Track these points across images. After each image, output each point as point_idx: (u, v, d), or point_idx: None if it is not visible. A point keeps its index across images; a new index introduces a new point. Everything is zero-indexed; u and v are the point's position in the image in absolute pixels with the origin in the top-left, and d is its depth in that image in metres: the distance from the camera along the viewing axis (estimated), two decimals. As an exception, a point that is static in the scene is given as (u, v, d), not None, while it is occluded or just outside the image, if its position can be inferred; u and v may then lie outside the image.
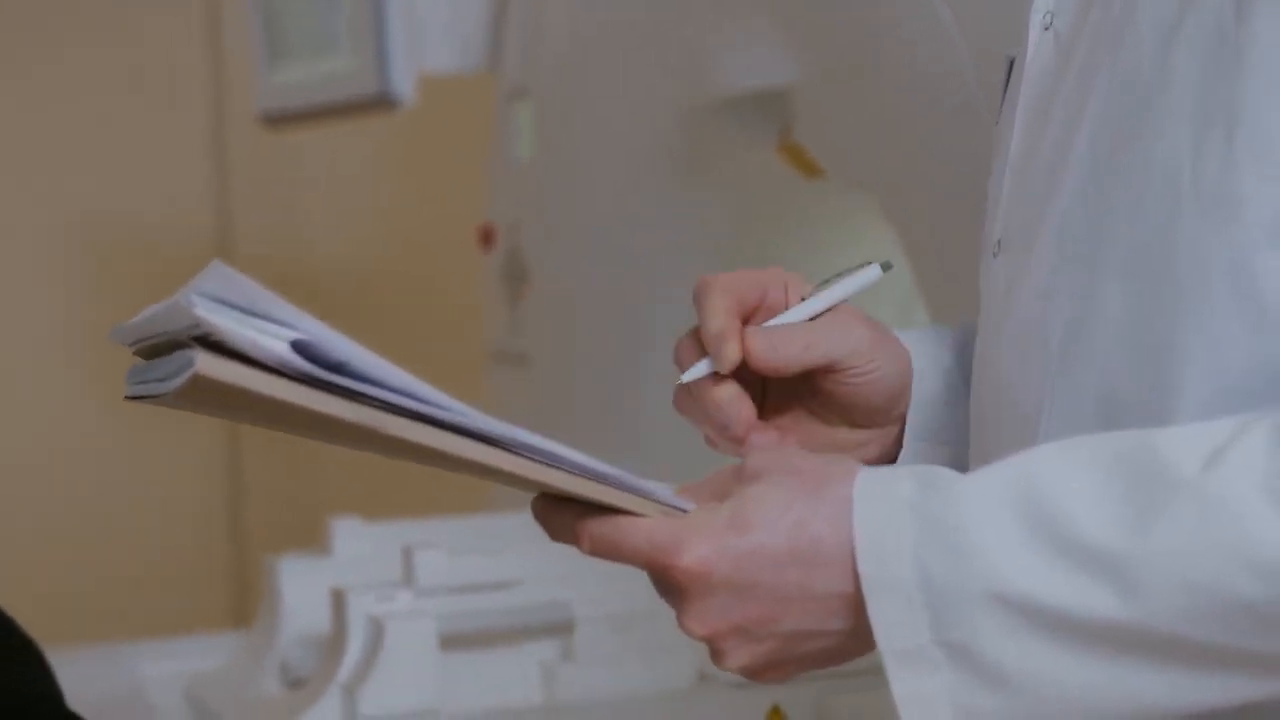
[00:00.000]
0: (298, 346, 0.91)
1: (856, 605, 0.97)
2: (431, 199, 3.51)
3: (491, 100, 2.65)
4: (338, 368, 0.93)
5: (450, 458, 0.97)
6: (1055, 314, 1.04)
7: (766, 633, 0.99)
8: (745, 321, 1.13)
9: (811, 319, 1.13)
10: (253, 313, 0.91)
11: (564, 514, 1.02)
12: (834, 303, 1.14)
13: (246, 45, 2.95)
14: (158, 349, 0.95)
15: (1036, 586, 0.93)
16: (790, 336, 1.11)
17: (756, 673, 1.02)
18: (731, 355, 1.10)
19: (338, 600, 1.74)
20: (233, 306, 0.91)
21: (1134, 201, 1.00)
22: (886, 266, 1.17)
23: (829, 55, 1.88)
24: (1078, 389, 1.02)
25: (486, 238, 2.53)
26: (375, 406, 0.94)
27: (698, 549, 0.98)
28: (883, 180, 1.85)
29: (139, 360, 0.97)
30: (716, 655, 1.01)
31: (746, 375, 1.13)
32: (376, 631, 1.70)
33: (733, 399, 1.11)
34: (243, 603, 3.65)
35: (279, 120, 2.80)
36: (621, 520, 1.00)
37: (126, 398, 0.97)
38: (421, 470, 2.90)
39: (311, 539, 2.31)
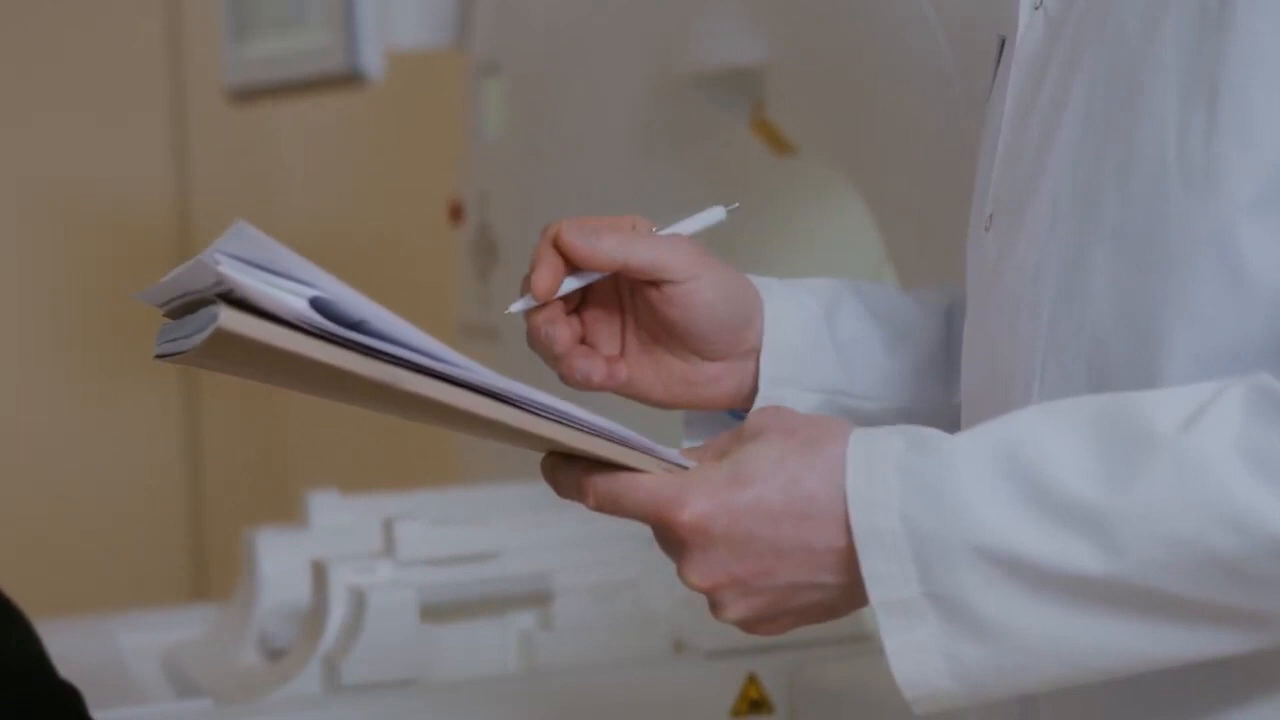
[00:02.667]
0: (317, 304, 0.94)
1: (849, 559, 1.00)
2: (400, 173, 3.52)
3: (463, 76, 2.66)
4: (356, 325, 0.95)
5: (464, 414, 1.00)
6: (1045, 285, 1.06)
7: (763, 585, 1.02)
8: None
9: None
10: (274, 271, 0.94)
11: (571, 471, 1.05)
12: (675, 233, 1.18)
13: (209, 19, 2.95)
14: (185, 309, 0.97)
15: (1019, 541, 0.97)
16: (612, 234, 1.14)
17: (752, 624, 1.05)
18: (540, 283, 1.13)
19: (319, 572, 1.76)
20: (255, 265, 0.93)
21: (1121, 175, 1.03)
22: (731, 209, 1.20)
23: (802, 32, 1.90)
24: (1068, 359, 1.05)
25: (455, 213, 2.54)
26: (392, 363, 0.96)
27: (698, 504, 1.01)
28: (855, 156, 1.87)
29: (166, 321, 0.99)
30: (715, 607, 1.04)
31: (601, 315, 1.17)
32: (358, 602, 1.72)
33: (548, 321, 1.15)
34: (203, 574, 3.66)
35: (247, 95, 2.80)
36: (626, 476, 1.03)
37: (155, 356, 0.99)
38: (386, 443, 2.91)
39: (272, 512, 2.32)
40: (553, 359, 1.16)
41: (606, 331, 1.19)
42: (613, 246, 1.14)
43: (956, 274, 1.30)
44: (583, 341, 1.18)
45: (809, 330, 1.21)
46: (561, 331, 1.15)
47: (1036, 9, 1.14)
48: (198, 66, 3.53)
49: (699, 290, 1.16)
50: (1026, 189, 1.09)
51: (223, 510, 3.64)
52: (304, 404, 3.58)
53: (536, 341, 1.16)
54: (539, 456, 1.08)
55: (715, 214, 1.20)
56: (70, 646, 1.69)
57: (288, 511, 2.33)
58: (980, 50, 1.33)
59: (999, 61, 1.21)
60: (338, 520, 1.95)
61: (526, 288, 1.15)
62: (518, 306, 1.15)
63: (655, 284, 1.16)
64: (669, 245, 1.16)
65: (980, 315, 1.14)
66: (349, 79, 2.52)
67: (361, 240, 3.54)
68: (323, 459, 3.58)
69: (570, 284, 1.15)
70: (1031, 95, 1.12)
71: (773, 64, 1.95)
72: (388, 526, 1.78)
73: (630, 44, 2.19)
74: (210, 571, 3.66)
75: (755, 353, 1.20)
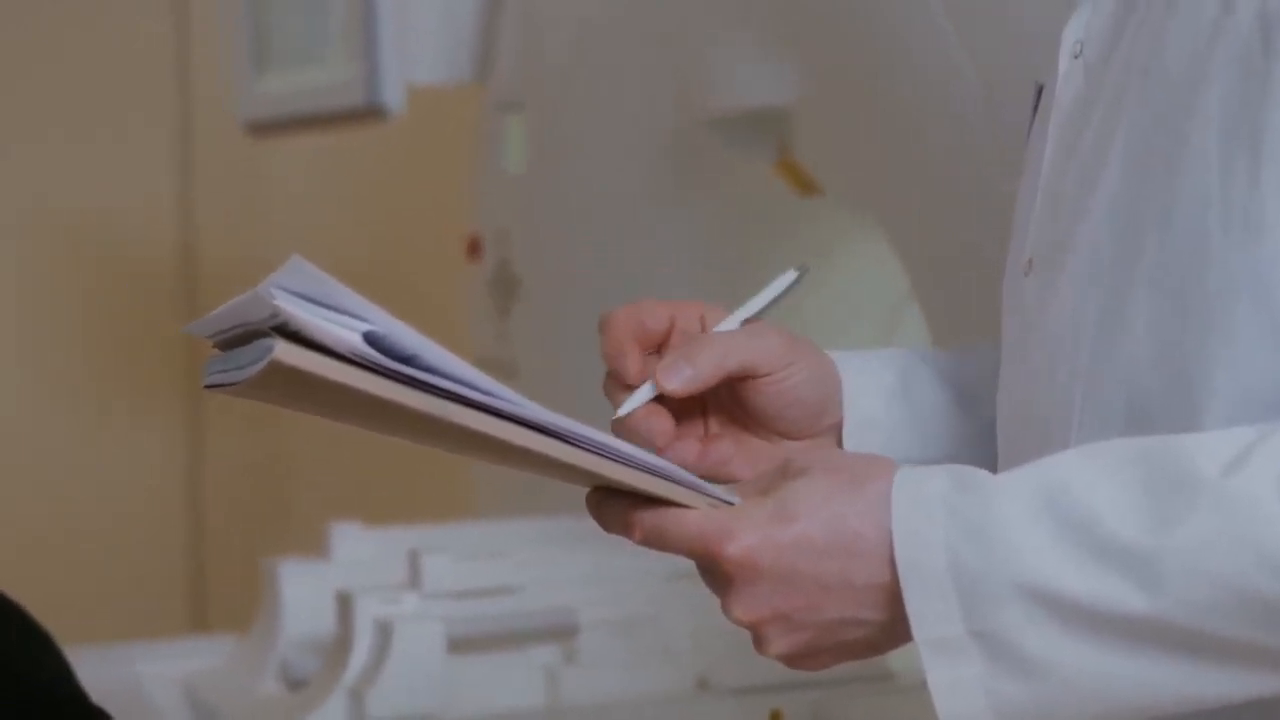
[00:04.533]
0: (370, 338, 0.95)
1: (893, 596, 1.01)
2: (408, 205, 3.52)
3: (469, 109, 2.67)
4: (408, 359, 0.96)
5: (513, 448, 1.01)
6: (1084, 331, 1.08)
7: (806, 620, 1.03)
8: (655, 348, 1.16)
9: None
10: (328, 305, 0.95)
11: (617, 505, 1.06)
12: (754, 313, 1.18)
13: (217, 49, 2.95)
14: (234, 341, 0.98)
15: (1063, 580, 0.98)
16: (704, 350, 1.14)
17: (795, 660, 1.06)
18: (631, 369, 1.14)
19: (344, 603, 1.76)
20: (309, 299, 0.94)
21: (1163, 223, 1.04)
22: (803, 270, 1.20)
23: (829, 74, 1.91)
24: (1106, 404, 1.06)
25: (473, 248, 2.55)
26: (443, 397, 0.98)
27: (744, 539, 1.02)
28: (882, 197, 1.88)
29: (215, 352, 1.00)
30: (759, 642, 1.05)
31: (685, 401, 1.17)
32: (384, 634, 1.73)
33: (647, 416, 1.15)
34: (201, 598, 3.65)
35: (263, 129, 2.81)
36: (672, 511, 1.04)
37: (205, 387, 1.00)
38: (394, 471, 2.90)
39: (273, 537, 2.32)
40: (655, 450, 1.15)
41: (689, 416, 1.18)
42: (711, 371, 1.13)
43: (983, 315, 1.31)
44: None
45: (886, 403, 1.22)
46: (661, 424, 1.15)
47: (1076, 57, 1.15)
48: (204, 91, 3.53)
49: (789, 377, 1.17)
50: (1066, 235, 1.11)
51: (225, 538, 3.64)
52: (308, 434, 3.58)
53: (637, 436, 1.15)
54: (560, 490, 1.10)
55: (787, 279, 1.19)
56: (87, 673, 1.69)
57: (290, 540, 2.34)
58: (1016, 95, 1.34)
59: (1036, 108, 1.22)
60: (359, 552, 1.96)
61: (615, 392, 1.15)
62: (626, 409, 1.15)
63: (751, 376, 1.16)
64: (758, 341, 1.16)
65: (1017, 359, 1.16)
66: (370, 113, 2.52)
67: (370, 270, 3.55)
68: (326, 488, 3.58)
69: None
70: (1072, 142, 1.13)
71: (800, 105, 1.96)
72: (414, 559, 1.79)
73: (654, 82, 2.20)
74: (210, 599, 3.65)
75: (835, 427, 1.21)
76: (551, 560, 1.82)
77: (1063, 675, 0.99)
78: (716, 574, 1.04)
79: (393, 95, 2.50)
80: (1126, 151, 1.07)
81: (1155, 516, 0.97)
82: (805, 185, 2.07)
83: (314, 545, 2.06)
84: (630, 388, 1.15)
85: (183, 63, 3.59)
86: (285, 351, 0.94)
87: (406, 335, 0.97)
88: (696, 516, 1.04)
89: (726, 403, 1.19)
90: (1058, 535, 0.98)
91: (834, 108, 1.92)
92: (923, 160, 1.78)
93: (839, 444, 1.21)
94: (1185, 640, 0.97)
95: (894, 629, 1.03)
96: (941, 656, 1.00)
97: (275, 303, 0.94)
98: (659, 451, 1.14)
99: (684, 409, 1.18)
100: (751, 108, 2.04)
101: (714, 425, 1.20)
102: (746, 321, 1.17)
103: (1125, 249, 1.06)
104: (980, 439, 1.24)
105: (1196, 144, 1.03)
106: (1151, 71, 1.07)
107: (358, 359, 0.95)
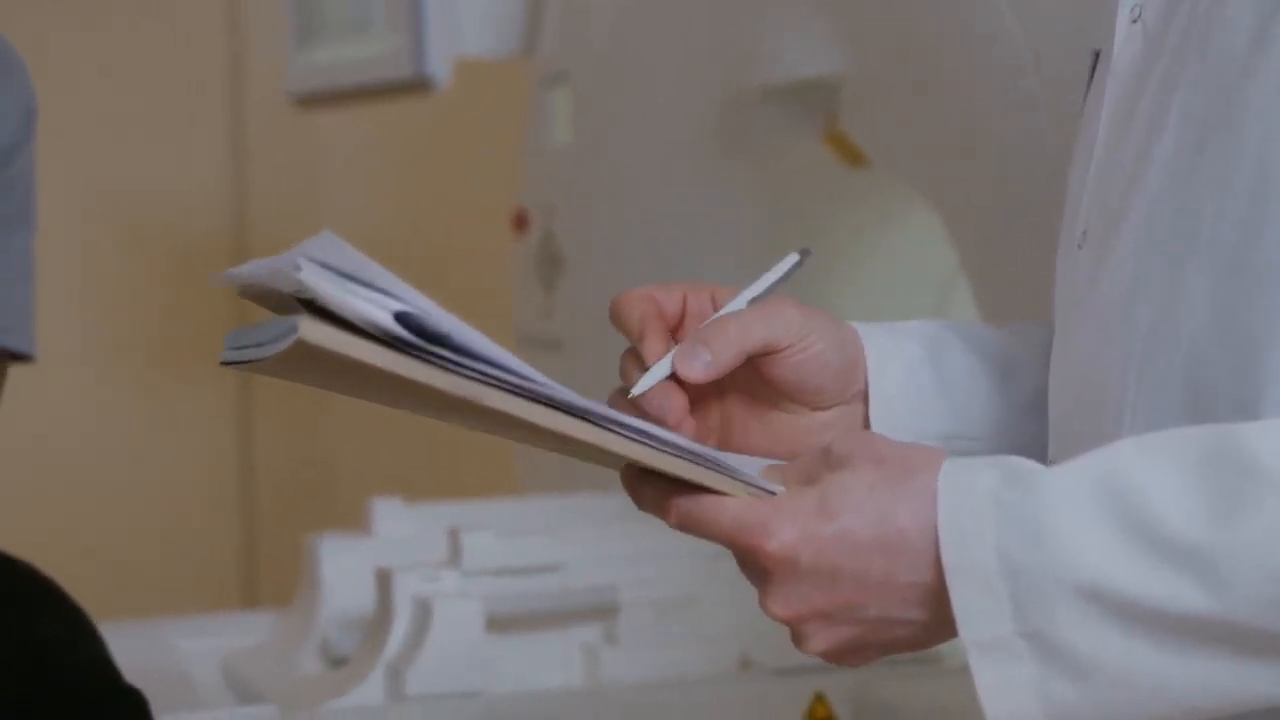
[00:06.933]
0: (400, 317, 0.92)
1: (939, 594, 0.98)
2: (453, 182, 3.51)
3: (514, 83, 2.65)
4: (439, 340, 0.94)
5: (544, 431, 0.98)
6: (1141, 306, 1.04)
7: (849, 618, 1.00)
8: (672, 330, 1.13)
9: None
10: (357, 280, 0.92)
11: (653, 486, 1.03)
12: (759, 293, 1.14)
13: (269, 26, 2.95)
14: (260, 299, 0.96)
15: (1120, 579, 0.94)
16: (721, 334, 1.10)
17: (836, 656, 1.03)
18: (655, 349, 1.10)
19: (383, 580, 1.75)
20: (338, 273, 0.91)
21: (1221, 194, 1.01)
22: (804, 253, 1.16)
23: (879, 44, 1.89)
24: (1164, 381, 1.03)
25: (519, 223, 2.54)
26: (474, 379, 0.95)
27: (784, 533, 0.99)
28: (930, 169, 1.86)
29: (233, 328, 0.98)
30: (798, 638, 1.02)
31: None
32: (423, 612, 1.71)
33: (661, 394, 1.10)
34: (253, 579, 3.66)
35: (310, 101, 2.80)
36: (710, 499, 1.01)
37: (221, 363, 0.97)
38: (439, 451, 2.89)
39: (323, 518, 2.31)
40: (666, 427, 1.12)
41: (704, 391, 1.14)
42: (731, 355, 1.09)
43: (1033, 288, 1.29)
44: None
45: (915, 377, 1.18)
46: (676, 401, 1.10)
47: (1134, 22, 1.12)
48: (257, 76, 3.54)
49: (810, 347, 1.13)
50: (1122, 205, 1.08)
51: (274, 516, 3.64)
52: (355, 411, 3.58)
53: (646, 411, 1.11)
54: (602, 468, 1.07)
55: (790, 261, 1.15)
56: (127, 650, 1.68)
57: (339, 517, 2.33)
58: (1069, 64, 1.32)
59: (1092, 76, 1.19)
60: (400, 528, 1.94)
61: (631, 370, 1.12)
62: (639, 389, 1.10)
63: (771, 350, 1.12)
64: (774, 316, 1.12)
65: (1070, 335, 1.12)
66: (416, 86, 2.51)
67: (414, 250, 3.54)
68: (374, 465, 3.58)
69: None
70: (1128, 110, 1.10)
71: (848, 76, 1.93)
72: (454, 536, 1.77)
73: (700, 54, 2.18)
74: (260, 576, 3.66)
75: (861, 395, 1.17)
76: (592, 539, 1.80)
77: (1119, 676, 0.96)
78: (755, 567, 1.01)
79: (438, 67, 2.49)
80: (1184, 116, 1.04)
81: (1214, 511, 0.94)
82: (853, 157, 2.04)
83: (359, 522, 2.04)
84: (646, 366, 1.11)
85: (235, 45, 3.59)
86: (311, 330, 0.91)
87: (439, 316, 0.94)
88: (736, 506, 1.01)
89: (745, 378, 1.15)
90: (1114, 531, 0.95)
91: (882, 78, 1.89)
92: (972, 131, 1.75)
93: (866, 412, 1.17)
94: (1245, 639, 0.94)
95: (938, 628, 1.00)
96: (990, 658, 0.97)
97: (300, 276, 0.91)
98: (672, 429, 1.10)
99: (705, 391, 1.14)
100: (799, 79, 2.01)
101: (732, 399, 1.16)
102: (753, 301, 1.13)
103: (1183, 218, 1.03)
104: (1014, 417, 1.20)
105: (1258, 111, 1.00)
106: (1213, 36, 1.04)
107: (387, 338, 0.93)
